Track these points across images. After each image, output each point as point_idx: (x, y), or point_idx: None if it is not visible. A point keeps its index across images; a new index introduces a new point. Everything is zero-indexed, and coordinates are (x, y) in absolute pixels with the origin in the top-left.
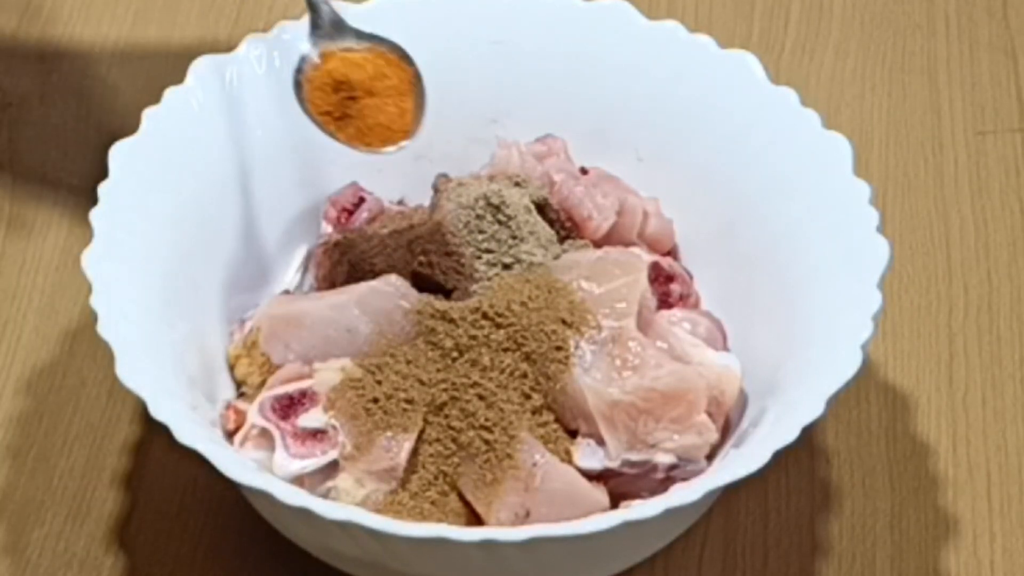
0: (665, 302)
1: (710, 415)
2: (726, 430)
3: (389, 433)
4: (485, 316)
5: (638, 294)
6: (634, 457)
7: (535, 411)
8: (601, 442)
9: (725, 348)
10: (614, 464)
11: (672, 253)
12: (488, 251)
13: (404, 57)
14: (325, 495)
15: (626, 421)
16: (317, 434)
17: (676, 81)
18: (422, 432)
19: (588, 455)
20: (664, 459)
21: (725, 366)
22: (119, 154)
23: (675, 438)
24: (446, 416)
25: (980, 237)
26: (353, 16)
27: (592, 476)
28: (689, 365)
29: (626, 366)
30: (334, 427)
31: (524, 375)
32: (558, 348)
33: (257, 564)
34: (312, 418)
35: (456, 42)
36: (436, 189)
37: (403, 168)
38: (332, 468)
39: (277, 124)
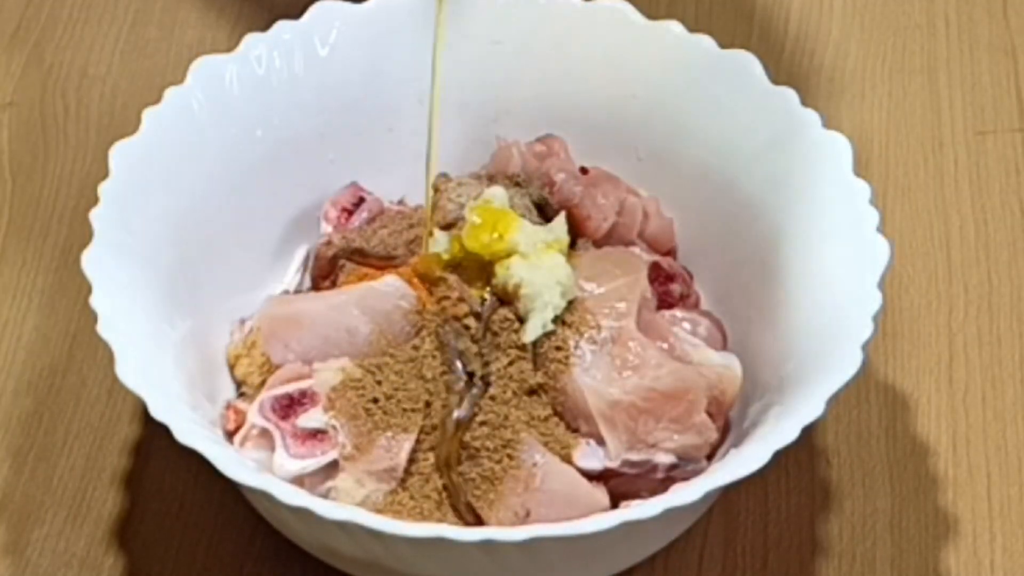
0: (665, 302)
1: (710, 415)
2: (726, 430)
3: (389, 433)
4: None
5: (638, 294)
6: (634, 457)
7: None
8: (601, 442)
9: (725, 348)
10: (614, 464)
11: (672, 253)
12: None
13: None
14: (325, 495)
15: (626, 421)
16: (317, 434)
17: (676, 81)
18: (422, 432)
19: (588, 455)
20: (664, 459)
21: (725, 366)
22: (119, 154)
23: (675, 438)
24: None
25: (980, 237)
26: (353, 16)
27: (592, 476)
28: (689, 365)
29: (626, 366)
30: (334, 427)
31: (524, 375)
32: (558, 348)
33: (257, 564)
34: (312, 418)
35: (456, 42)
36: (436, 189)
37: (403, 168)
38: (332, 468)
39: (277, 124)
